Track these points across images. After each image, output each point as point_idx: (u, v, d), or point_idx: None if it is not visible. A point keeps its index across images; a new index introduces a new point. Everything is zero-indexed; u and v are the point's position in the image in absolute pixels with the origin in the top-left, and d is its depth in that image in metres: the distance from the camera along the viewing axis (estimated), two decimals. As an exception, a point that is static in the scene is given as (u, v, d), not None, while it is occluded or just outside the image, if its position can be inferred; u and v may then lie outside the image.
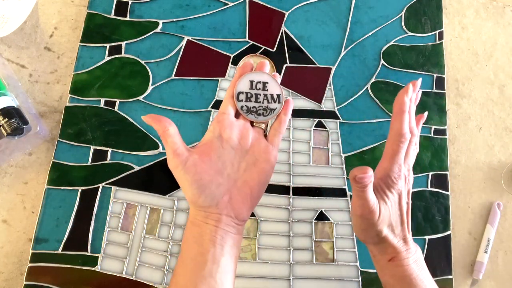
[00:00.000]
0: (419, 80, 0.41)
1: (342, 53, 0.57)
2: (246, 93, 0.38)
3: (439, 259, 0.51)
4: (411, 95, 0.39)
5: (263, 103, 0.38)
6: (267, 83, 0.38)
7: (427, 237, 0.52)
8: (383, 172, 0.37)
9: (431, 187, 0.53)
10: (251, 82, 0.38)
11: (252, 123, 0.39)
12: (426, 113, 0.44)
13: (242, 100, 0.38)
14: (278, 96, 0.38)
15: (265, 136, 0.39)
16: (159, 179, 0.51)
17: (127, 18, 0.56)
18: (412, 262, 0.37)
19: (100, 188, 0.50)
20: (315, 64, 0.57)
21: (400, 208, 0.37)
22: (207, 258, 0.34)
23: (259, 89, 0.38)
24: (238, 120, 0.38)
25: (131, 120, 0.53)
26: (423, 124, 0.55)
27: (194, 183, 0.35)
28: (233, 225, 0.36)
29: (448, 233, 0.52)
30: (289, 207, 0.51)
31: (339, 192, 0.52)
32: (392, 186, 0.36)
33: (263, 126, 0.39)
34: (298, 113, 0.55)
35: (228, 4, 0.58)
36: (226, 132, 0.37)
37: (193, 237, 0.35)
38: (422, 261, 0.38)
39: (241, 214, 0.36)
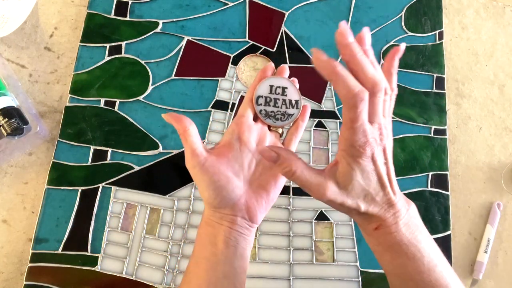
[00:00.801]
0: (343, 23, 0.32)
1: (342, 53, 0.57)
2: (266, 97, 0.38)
3: (439, 259, 0.51)
4: (349, 39, 0.31)
5: (281, 108, 0.38)
6: (286, 88, 0.39)
7: (427, 237, 0.52)
8: (346, 143, 0.31)
9: (431, 187, 0.53)
10: (271, 86, 0.38)
11: (269, 127, 0.39)
12: (403, 45, 0.35)
13: (261, 104, 0.38)
14: (297, 102, 0.39)
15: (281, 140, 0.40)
16: (159, 179, 0.51)
17: (127, 18, 0.56)
18: (403, 226, 0.33)
19: (100, 188, 0.50)
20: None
21: (377, 173, 0.33)
22: (220, 259, 0.34)
23: (278, 93, 0.38)
24: (256, 124, 0.38)
25: (131, 120, 0.53)
26: (423, 124, 0.55)
27: (212, 184, 0.34)
28: (246, 227, 0.36)
29: (448, 233, 0.52)
30: (289, 207, 0.51)
31: (339, 192, 0.52)
32: (359, 156, 0.31)
33: (280, 130, 0.40)
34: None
35: (228, 4, 0.58)
36: (245, 135, 0.37)
37: (207, 237, 0.35)
38: (416, 221, 0.34)
39: (255, 216, 0.36)
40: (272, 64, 0.40)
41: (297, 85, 0.39)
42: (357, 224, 0.36)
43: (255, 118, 0.39)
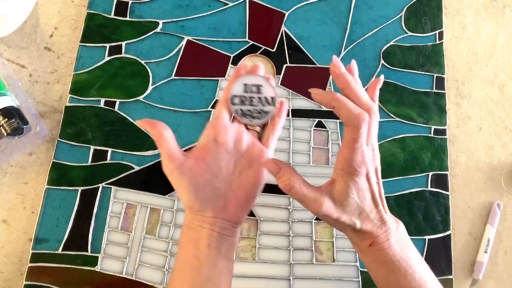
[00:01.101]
0: (335, 58, 0.36)
1: (342, 53, 0.57)
2: (240, 96, 0.38)
3: (439, 259, 0.51)
4: (341, 70, 0.35)
5: (257, 106, 0.38)
6: (261, 86, 0.38)
7: (427, 237, 0.52)
8: (344, 162, 0.33)
9: (431, 187, 0.53)
10: (245, 85, 0.38)
11: (246, 126, 0.39)
12: (382, 77, 0.38)
13: (236, 104, 0.38)
14: (273, 98, 0.38)
15: (259, 138, 0.39)
16: (159, 179, 0.51)
17: (127, 18, 0.56)
18: (394, 242, 0.35)
19: (100, 188, 0.50)
20: (315, 64, 0.57)
21: (371, 191, 0.34)
22: (204, 262, 0.34)
23: (253, 92, 0.38)
24: (233, 124, 0.38)
25: (131, 120, 0.53)
26: (423, 124, 0.55)
27: (190, 187, 0.35)
28: (229, 228, 0.36)
29: (448, 233, 0.52)
30: (289, 207, 0.51)
31: (339, 192, 0.52)
32: (356, 175, 0.33)
33: (258, 129, 0.40)
34: (298, 113, 0.55)
35: (228, 4, 0.58)
36: (221, 136, 0.37)
37: (189, 241, 0.35)
38: (405, 239, 0.36)
39: (236, 217, 0.36)
40: (246, 63, 0.40)
41: (273, 82, 0.39)
42: (351, 242, 0.38)
43: (233, 118, 0.39)
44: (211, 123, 0.38)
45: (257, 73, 0.39)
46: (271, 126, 0.39)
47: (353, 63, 0.38)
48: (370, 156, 0.34)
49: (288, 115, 0.54)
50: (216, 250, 0.34)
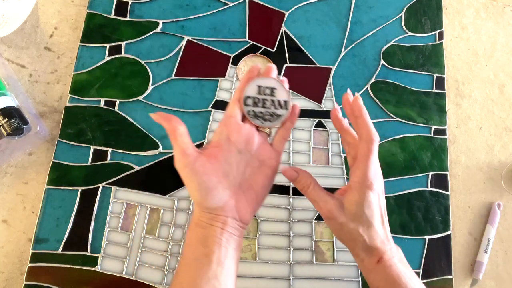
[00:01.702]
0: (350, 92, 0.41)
1: (342, 53, 0.57)
2: (254, 98, 0.38)
3: (439, 259, 0.51)
4: (360, 102, 0.39)
5: (270, 108, 0.38)
6: (275, 89, 0.38)
7: (427, 237, 0.52)
8: (361, 174, 0.36)
9: (431, 187, 0.53)
10: (259, 87, 0.38)
11: (257, 127, 0.39)
12: (348, 91, 0.41)
13: (249, 105, 0.38)
14: (285, 102, 0.38)
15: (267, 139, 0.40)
16: (159, 179, 0.51)
17: (127, 18, 0.56)
18: (398, 261, 0.37)
19: (100, 188, 0.50)
20: (315, 64, 0.57)
21: (379, 206, 0.37)
22: (212, 260, 0.34)
23: (267, 94, 0.38)
24: (245, 124, 0.38)
25: (131, 120, 0.53)
26: (423, 124, 0.55)
27: (202, 184, 0.35)
28: (237, 228, 0.36)
29: (448, 233, 0.52)
30: (289, 207, 0.51)
31: (339, 192, 0.52)
32: (371, 189, 0.36)
33: (268, 130, 0.40)
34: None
35: (228, 4, 0.58)
36: (233, 135, 0.37)
37: (197, 239, 0.35)
38: (405, 260, 0.38)
39: (245, 217, 0.36)
40: (259, 66, 0.40)
41: (287, 85, 0.39)
42: (358, 263, 0.39)
43: (244, 118, 0.39)
44: (224, 122, 0.38)
45: (271, 75, 0.39)
46: (282, 130, 0.39)
47: (358, 96, 0.40)
48: (380, 171, 0.37)
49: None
50: (224, 249, 0.34)
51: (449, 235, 0.52)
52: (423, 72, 0.58)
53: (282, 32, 0.58)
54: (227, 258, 0.34)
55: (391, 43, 0.58)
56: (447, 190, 0.54)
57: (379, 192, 0.37)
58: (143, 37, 0.56)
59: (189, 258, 0.35)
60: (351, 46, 0.58)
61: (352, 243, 0.38)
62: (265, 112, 0.38)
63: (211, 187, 0.35)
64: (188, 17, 0.57)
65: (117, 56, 0.55)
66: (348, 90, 0.41)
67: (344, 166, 0.53)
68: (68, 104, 0.52)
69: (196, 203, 0.36)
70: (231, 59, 0.56)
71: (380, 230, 0.37)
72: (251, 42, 0.57)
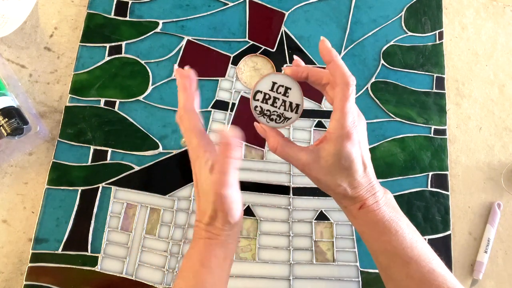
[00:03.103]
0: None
1: (342, 53, 0.57)
2: (265, 93, 0.35)
3: (439, 259, 0.51)
4: (329, 46, 0.37)
5: (279, 108, 0.36)
6: (290, 89, 0.36)
7: (427, 237, 0.52)
8: (337, 124, 0.34)
9: (431, 187, 0.53)
10: (274, 83, 0.36)
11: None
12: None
13: (258, 100, 0.36)
14: (298, 106, 0.36)
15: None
16: (159, 179, 0.51)
17: (127, 18, 0.56)
18: (383, 204, 0.36)
19: (100, 188, 0.50)
20: (315, 64, 0.57)
21: (361, 156, 0.35)
22: (211, 270, 0.35)
23: (280, 93, 0.36)
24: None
25: (131, 120, 0.53)
26: (423, 124, 0.55)
27: (232, 210, 0.35)
28: (238, 239, 0.37)
29: (448, 233, 0.52)
30: (289, 207, 0.51)
31: (339, 192, 0.52)
32: (348, 139, 0.34)
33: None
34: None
35: (228, 4, 0.58)
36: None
37: (197, 251, 0.36)
38: (394, 204, 0.37)
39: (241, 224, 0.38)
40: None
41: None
42: (342, 209, 0.39)
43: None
44: (204, 149, 0.36)
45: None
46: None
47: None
48: (357, 117, 0.35)
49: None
50: (224, 261, 0.36)
51: (449, 235, 0.52)
52: (423, 72, 0.58)
53: (282, 32, 0.58)
54: (224, 268, 0.36)
55: (391, 43, 0.58)
56: (447, 190, 0.54)
57: (359, 140, 0.35)
58: (143, 37, 0.56)
59: (188, 267, 0.36)
60: (351, 46, 0.58)
61: (332, 193, 0.37)
62: (273, 111, 0.36)
63: (236, 201, 0.35)
64: (188, 17, 0.57)
65: (117, 56, 0.55)
66: (321, 37, 0.38)
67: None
68: (68, 104, 0.52)
69: (220, 218, 0.35)
70: (231, 59, 0.56)
71: (362, 179, 0.36)
72: (251, 42, 0.57)
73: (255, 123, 0.37)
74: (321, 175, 0.35)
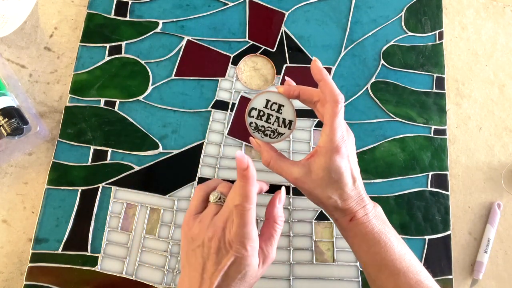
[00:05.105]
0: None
1: (342, 53, 0.57)
2: (259, 110, 0.38)
3: (439, 259, 0.51)
4: (320, 65, 0.39)
5: (273, 125, 0.38)
6: (283, 106, 0.38)
7: (427, 237, 0.52)
8: (327, 139, 0.36)
9: (431, 187, 0.53)
10: (268, 101, 0.38)
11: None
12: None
13: (253, 116, 0.38)
14: (290, 122, 0.38)
15: None
16: (159, 179, 0.51)
17: (127, 18, 0.56)
18: (372, 217, 0.37)
19: (100, 188, 0.50)
20: (315, 64, 0.57)
21: (350, 169, 0.37)
22: None
23: (273, 110, 0.38)
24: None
25: (131, 120, 0.53)
26: (423, 124, 0.55)
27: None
28: None
29: (448, 233, 0.52)
30: (289, 207, 0.51)
31: (339, 192, 0.52)
32: (337, 152, 0.36)
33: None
34: (298, 113, 0.54)
35: (228, 4, 0.58)
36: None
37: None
38: (383, 217, 0.39)
39: None
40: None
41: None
42: (333, 221, 0.41)
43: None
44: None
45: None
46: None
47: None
48: (345, 133, 0.37)
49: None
50: None
51: (449, 235, 0.52)
52: (423, 72, 0.58)
53: (282, 32, 0.58)
54: None
55: (391, 43, 0.58)
56: (447, 190, 0.54)
57: (348, 154, 0.37)
58: (143, 37, 0.56)
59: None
60: (351, 46, 0.58)
61: (323, 206, 0.39)
62: (267, 127, 0.38)
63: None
64: (188, 17, 0.57)
65: (117, 56, 0.55)
66: (313, 58, 0.40)
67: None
68: (68, 104, 0.52)
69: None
70: (231, 59, 0.56)
71: (352, 192, 0.37)
72: (251, 42, 0.57)
73: (250, 138, 0.40)
74: (312, 188, 0.37)
